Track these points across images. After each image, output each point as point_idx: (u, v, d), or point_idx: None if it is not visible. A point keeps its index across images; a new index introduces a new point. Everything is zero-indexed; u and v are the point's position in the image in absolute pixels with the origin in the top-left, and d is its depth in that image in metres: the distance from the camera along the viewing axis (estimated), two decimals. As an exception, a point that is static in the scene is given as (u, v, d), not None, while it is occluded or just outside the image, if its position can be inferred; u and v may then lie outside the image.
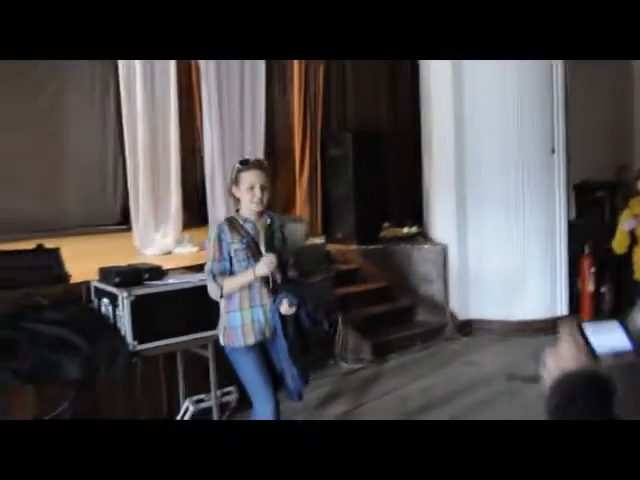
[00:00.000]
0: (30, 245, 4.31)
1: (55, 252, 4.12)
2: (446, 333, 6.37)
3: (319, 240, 7.09)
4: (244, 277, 3.02)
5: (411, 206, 7.81)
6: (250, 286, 3.05)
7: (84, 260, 4.88)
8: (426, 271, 6.67)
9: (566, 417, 1.03)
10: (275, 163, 7.62)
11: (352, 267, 6.67)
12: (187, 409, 3.85)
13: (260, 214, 3.12)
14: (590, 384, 1.06)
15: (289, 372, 3.07)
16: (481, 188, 6.45)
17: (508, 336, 6.31)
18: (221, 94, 6.71)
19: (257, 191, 3.03)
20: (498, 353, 5.93)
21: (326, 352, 5.70)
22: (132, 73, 6.36)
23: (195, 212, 8.10)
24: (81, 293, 3.94)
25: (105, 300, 3.60)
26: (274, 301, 3.04)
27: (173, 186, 6.61)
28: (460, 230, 6.55)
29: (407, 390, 5.05)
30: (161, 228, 6.60)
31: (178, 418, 3.88)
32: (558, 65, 6.27)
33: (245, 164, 3.12)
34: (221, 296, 3.05)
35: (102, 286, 3.65)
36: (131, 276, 3.53)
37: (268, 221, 3.14)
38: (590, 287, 6.43)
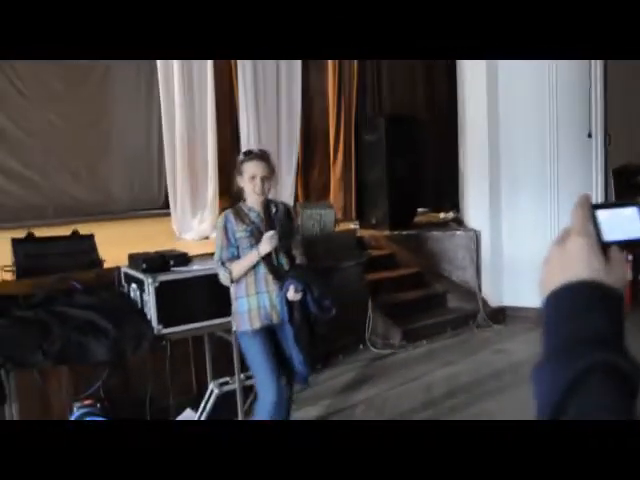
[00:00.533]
0: (81, 228, 4.51)
1: (89, 238, 4.29)
2: (478, 320, 6.36)
3: (353, 225, 7.16)
4: (249, 257, 3.13)
5: (448, 191, 7.78)
6: (256, 273, 3.15)
7: (126, 244, 5.05)
8: (459, 257, 6.66)
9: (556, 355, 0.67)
10: (310, 148, 7.70)
11: (385, 253, 6.70)
12: (212, 392, 3.98)
13: (266, 203, 3.22)
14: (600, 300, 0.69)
15: (296, 358, 3.18)
16: (515, 173, 6.39)
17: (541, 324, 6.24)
18: (257, 79, 6.81)
19: (258, 181, 3.14)
20: (530, 342, 5.87)
21: (356, 337, 5.79)
22: (170, 62, 6.50)
23: (232, 198, 8.24)
24: (114, 278, 4.10)
25: (133, 285, 3.74)
26: (280, 288, 3.14)
27: (210, 173, 6.75)
28: (493, 216, 6.50)
29: (434, 376, 5.09)
30: (198, 214, 6.77)
31: (204, 400, 4.02)
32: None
33: (248, 155, 3.23)
34: (232, 281, 3.16)
35: (131, 272, 3.80)
36: (157, 262, 3.66)
37: (273, 210, 3.24)
38: (627, 276, 6.30)
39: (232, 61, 7.52)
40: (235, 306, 3.24)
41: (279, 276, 3.16)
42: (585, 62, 6.10)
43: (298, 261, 3.31)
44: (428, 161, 7.71)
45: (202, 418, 3.98)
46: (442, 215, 7.69)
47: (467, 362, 5.42)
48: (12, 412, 3.23)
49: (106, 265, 4.32)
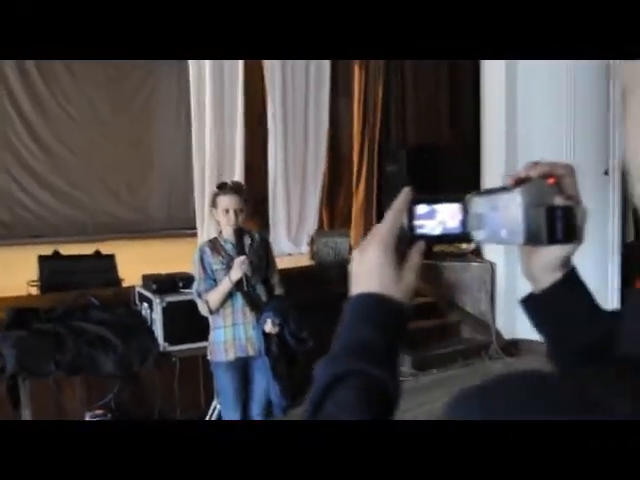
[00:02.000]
0: (118, 246, 4.79)
1: (110, 258, 4.58)
2: (490, 352, 6.41)
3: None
4: (222, 285, 3.15)
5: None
6: (233, 304, 3.22)
7: (156, 263, 5.28)
8: (474, 288, 6.74)
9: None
10: (337, 174, 7.90)
11: (401, 281, 6.81)
12: (215, 407, 4.18)
13: (240, 234, 3.23)
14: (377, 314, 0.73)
15: (273, 389, 3.24)
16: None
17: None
18: (285, 104, 7.03)
19: (232, 215, 3.17)
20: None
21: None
22: (202, 85, 6.77)
23: (259, 220, 8.49)
24: (130, 296, 4.38)
25: (145, 304, 4.01)
26: (257, 320, 3.20)
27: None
28: (509, 249, 6.55)
29: (439, 404, 5.18)
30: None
31: (208, 416, 4.23)
32: (614, 65, 6.15)
33: (221, 188, 3.27)
34: (210, 312, 3.22)
35: (143, 291, 4.06)
36: (167, 283, 3.92)
37: (248, 241, 3.28)
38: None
39: (263, 84, 7.83)
40: (212, 336, 3.31)
41: (256, 307, 3.22)
42: (604, 85, 6.10)
43: (277, 292, 3.37)
44: (450, 191, 7.78)
45: (206, 433, 4.17)
46: (464, 246, 7.76)
47: (474, 392, 5.47)
48: (25, 417, 3.49)
49: (129, 283, 4.61)
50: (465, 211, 0.82)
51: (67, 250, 5.05)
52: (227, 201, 3.19)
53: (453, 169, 7.83)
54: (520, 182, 0.80)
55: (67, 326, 3.72)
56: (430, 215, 0.81)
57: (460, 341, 6.56)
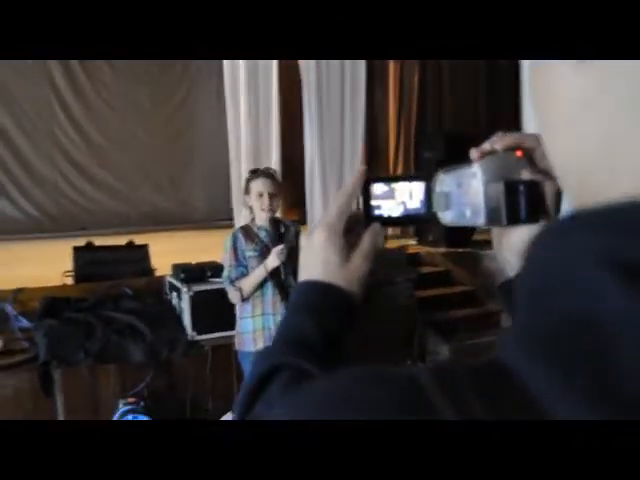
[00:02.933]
0: (158, 237, 4.82)
1: (143, 248, 4.63)
2: (530, 341, 6.25)
3: (412, 241, 7.24)
4: (257, 272, 3.11)
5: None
6: (264, 294, 3.16)
7: (193, 252, 5.33)
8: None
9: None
10: (373, 165, 7.82)
11: (439, 270, 6.74)
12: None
13: (275, 222, 3.22)
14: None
15: None
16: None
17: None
18: (321, 99, 6.99)
19: (265, 199, 3.13)
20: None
21: (404, 352, 5.86)
22: (236, 77, 6.79)
23: (298, 212, 8.47)
24: (162, 286, 4.42)
25: (174, 293, 4.03)
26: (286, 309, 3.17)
27: (273, 186, 6.96)
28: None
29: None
30: (261, 226, 7.00)
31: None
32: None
33: (254, 173, 3.26)
34: (242, 299, 3.16)
35: (173, 281, 4.09)
36: (195, 273, 3.93)
37: (282, 229, 3.23)
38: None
39: (298, 75, 7.79)
40: (239, 326, 3.28)
41: (287, 298, 3.16)
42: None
43: None
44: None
45: (237, 422, 4.20)
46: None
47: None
48: (58, 404, 3.56)
49: (165, 272, 4.65)
50: (430, 190, 0.75)
51: (111, 241, 5.13)
52: (260, 185, 3.16)
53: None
54: (485, 156, 0.73)
55: (97, 315, 3.78)
56: (389, 195, 0.74)
57: (500, 331, 6.42)
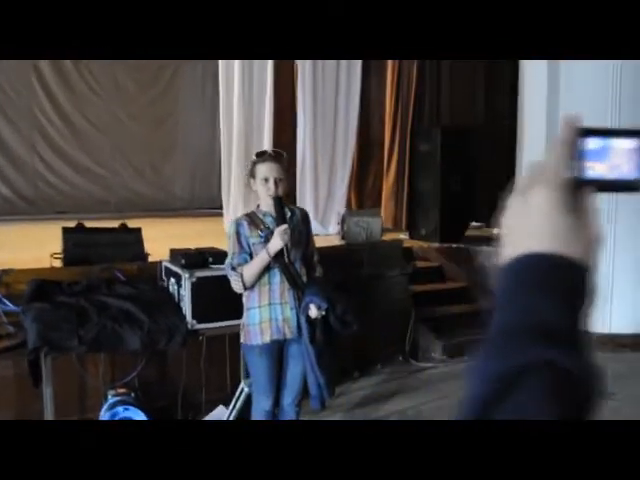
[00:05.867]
0: (139, 223, 4.63)
1: (136, 231, 4.42)
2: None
3: (402, 235, 7.12)
4: (259, 257, 2.94)
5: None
6: (270, 282, 3.00)
7: (177, 240, 5.18)
8: (508, 274, 6.50)
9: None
10: (366, 155, 7.70)
11: (432, 265, 6.63)
12: (242, 390, 4.02)
13: (281, 206, 3.02)
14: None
15: (314, 381, 3.00)
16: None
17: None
18: (316, 86, 6.86)
19: (271, 184, 2.96)
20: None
21: (396, 347, 5.75)
22: (230, 65, 6.63)
23: (287, 200, 8.32)
24: (156, 272, 4.22)
25: (172, 280, 3.84)
26: (295, 299, 2.99)
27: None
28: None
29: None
30: (250, 214, 6.85)
31: (234, 398, 4.07)
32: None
33: (261, 156, 3.07)
34: (244, 287, 3.00)
35: (171, 266, 3.90)
36: (196, 259, 3.74)
37: (289, 214, 3.07)
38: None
39: (293, 64, 7.63)
40: (245, 317, 3.10)
41: (295, 285, 2.99)
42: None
43: (317, 273, 3.16)
44: (484, 174, 7.58)
45: (232, 416, 4.03)
46: (496, 231, 7.51)
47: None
48: (46, 395, 3.35)
49: (152, 259, 4.46)
50: None
51: (90, 226, 4.89)
52: (266, 169, 3.00)
53: (488, 150, 7.61)
54: None
55: (91, 300, 3.57)
56: (602, 154, 0.61)
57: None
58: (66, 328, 3.27)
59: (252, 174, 3.07)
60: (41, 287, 3.68)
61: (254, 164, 3.07)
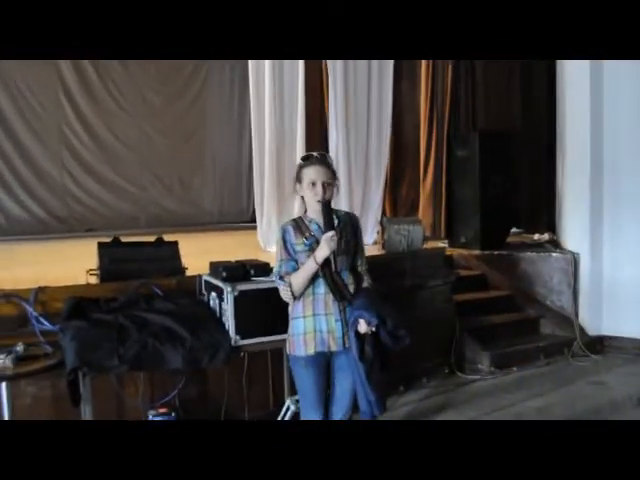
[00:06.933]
0: (170, 238, 4.50)
1: (173, 245, 4.28)
2: (573, 349, 5.94)
3: (441, 244, 6.90)
4: (307, 265, 2.81)
5: (544, 211, 7.41)
6: (315, 292, 2.87)
7: (210, 255, 5.05)
8: (554, 281, 6.27)
9: None
10: (400, 163, 7.52)
11: (475, 273, 6.41)
12: (288, 408, 3.84)
13: (329, 212, 2.85)
14: None
15: (364, 397, 2.84)
16: (620, 194, 5.96)
17: (644, 357, 5.80)
18: (347, 93, 6.69)
19: (319, 188, 2.82)
20: (630, 374, 5.43)
21: (441, 359, 5.52)
22: (261, 75, 6.49)
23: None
24: (195, 286, 4.06)
25: (213, 294, 3.67)
26: (340, 310, 2.85)
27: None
28: (594, 238, 6.08)
29: (523, 407, 4.74)
30: (284, 226, 6.68)
31: (280, 417, 3.89)
32: None
33: (307, 159, 2.93)
34: (293, 296, 2.87)
35: (211, 280, 3.73)
36: (238, 271, 3.57)
37: (336, 221, 2.88)
38: None
39: (323, 73, 7.48)
40: (290, 327, 2.97)
41: (341, 296, 2.84)
42: None
43: (365, 284, 2.99)
44: (523, 178, 7.36)
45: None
46: (536, 236, 7.30)
47: (561, 393, 5.04)
48: (85, 415, 3.20)
49: (188, 274, 4.30)
50: None
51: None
52: (313, 172, 2.85)
53: (526, 154, 7.40)
54: None
55: (130, 317, 3.41)
56: None
57: (540, 337, 6.12)
58: (106, 347, 3.11)
59: (298, 178, 2.93)
60: (78, 305, 3.54)
61: (300, 168, 2.93)
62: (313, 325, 2.88)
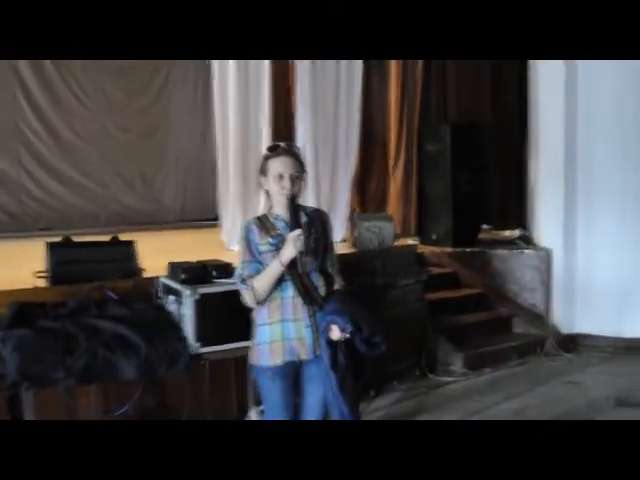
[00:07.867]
0: (131, 237, 4.23)
1: (129, 245, 4.01)
2: (546, 348, 5.82)
3: (411, 241, 6.73)
4: (271, 267, 2.56)
5: (515, 207, 7.30)
6: (282, 296, 2.62)
7: (172, 254, 4.79)
8: (527, 278, 6.15)
9: None
10: (369, 158, 7.33)
11: (446, 271, 6.25)
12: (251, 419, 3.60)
13: (294, 208, 2.62)
14: None
15: (337, 407, 2.59)
16: (593, 189, 5.88)
17: (618, 355, 5.72)
18: (315, 86, 6.50)
19: (286, 181, 2.57)
20: (606, 374, 5.33)
21: (412, 361, 5.33)
22: (225, 69, 6.25)
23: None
24: (152, 289, 3.79)
25: (171, 297, 3.42)
26: (309, 315, 2.62)
27: (263, 183, 6.43)
28: (568, 234, 5.99)
29: (498, 410, 4.58)
30: (248, 224, 6.46)
31: (244, 426, 3.65)
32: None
33: (273, 150, 2.66)
34: (257, 301, 2.62)
35: (169, 282, 3.47)
36: (198, 273, 3.32)
37: (304, 218, 2.65)
38: None
39: (290, 66, 7.25)
40: (255, 335, 2.71)
41: (311, 300, 2.61)
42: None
43: (337, 286, 2.75)
44: (493, 174, 7.24)
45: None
46: (507, 233, 7.18)
47: (536, 395, 4.90)
48: (31, 433, 2.91)
49: (146, 275, 4.04)
50: None
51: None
52: (280, 164, 2.59)
53: (496, 148, 7.28)
54: None
55: (79, 324, 3.14)
56: None
57: (513, 337, 6.00)
58: (50, 358, 2.84)
59: (263, 171, 2.66)
60: (22, 310, 3.23)
61: (266, 159, 2.66)
62: (281, 332, 2.63)
